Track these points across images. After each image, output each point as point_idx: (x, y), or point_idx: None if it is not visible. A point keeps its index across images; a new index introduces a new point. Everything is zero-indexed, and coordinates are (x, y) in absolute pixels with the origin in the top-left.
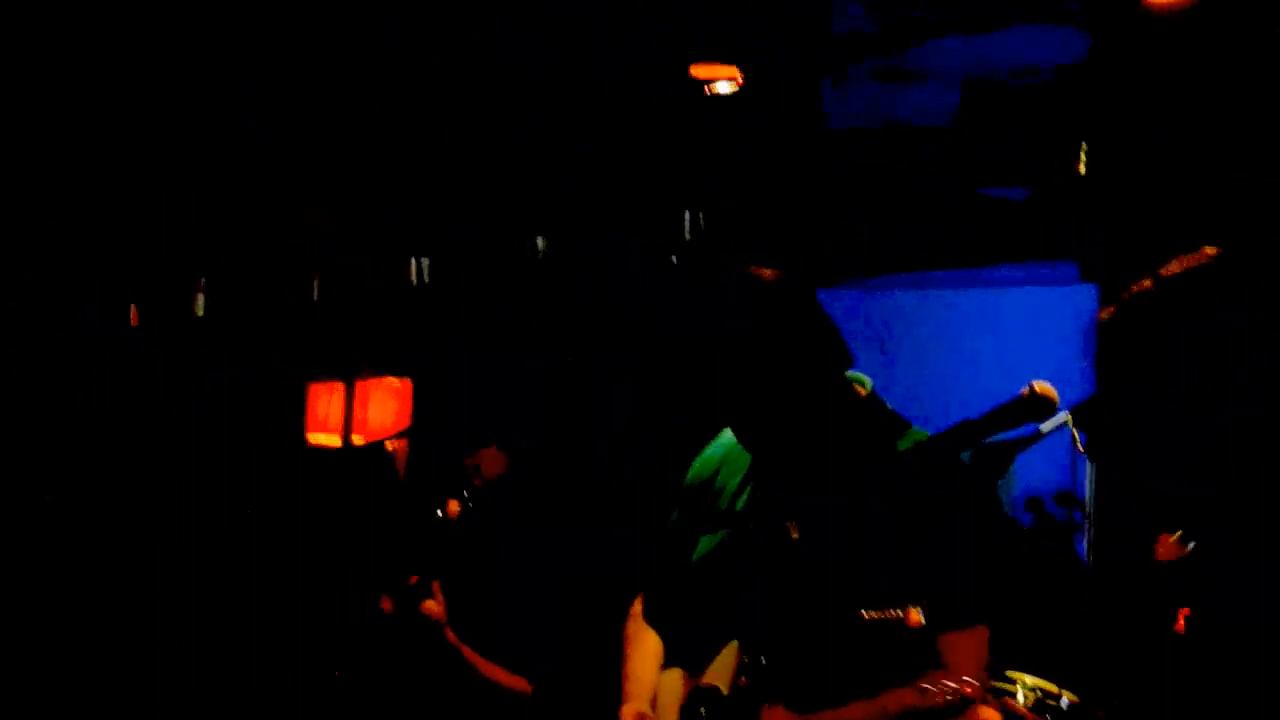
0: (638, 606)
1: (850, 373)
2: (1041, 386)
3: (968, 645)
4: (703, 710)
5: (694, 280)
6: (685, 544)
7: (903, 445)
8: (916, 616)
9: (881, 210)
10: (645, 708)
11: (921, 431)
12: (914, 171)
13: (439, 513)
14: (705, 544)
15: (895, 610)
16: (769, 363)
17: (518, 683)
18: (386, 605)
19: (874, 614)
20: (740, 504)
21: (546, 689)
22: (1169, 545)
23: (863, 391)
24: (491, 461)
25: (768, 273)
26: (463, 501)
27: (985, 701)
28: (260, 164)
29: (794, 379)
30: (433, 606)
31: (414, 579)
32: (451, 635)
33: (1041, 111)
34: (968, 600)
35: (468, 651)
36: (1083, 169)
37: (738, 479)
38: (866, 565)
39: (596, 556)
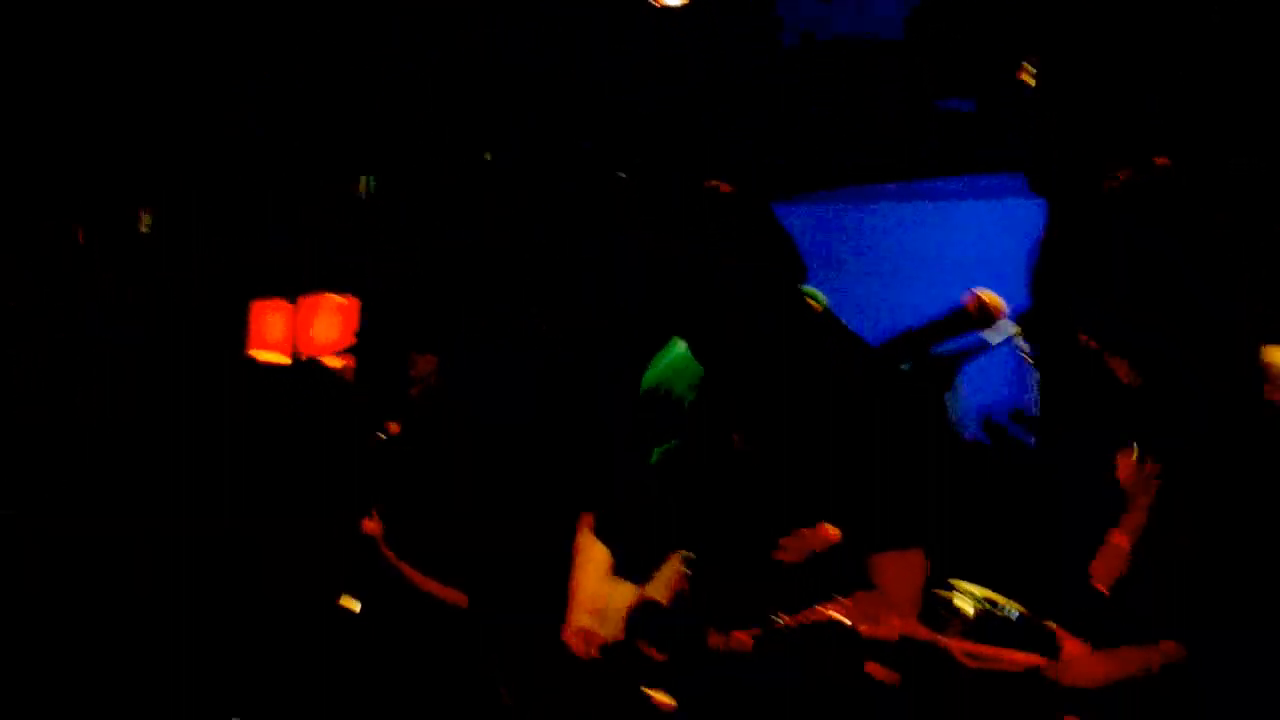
0: (588, 520)
1: (805, 288)
2: (988, 296)
3: (900, 568)
4: (642, 621)
5: (650, 195)
6: (634, 455)
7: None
8: (832, 532)
9: (829, 124)
10: (590, 621)
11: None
12: (862, 84)
13: (380, 434)
14: (655, 455)
15: (811, 528)
16: (725, 275)
17: (458, 597)
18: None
19: (804, 530)
20: (690, 415)
21: (486, 603)
22: (1128, 463)
23: (818, 307)
24: (426, 368)
25: (725, 186)
26: (398, 421)
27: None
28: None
29: (750, 292)
30: (369, 525)
31: (351, 495)
32: (389, 552)
33: (991, 23)
34: (902, 519)
35: (406, 568)
36: (1032, 81)
37: (689, 390)
38: (807, 479)
39: (541, 470)
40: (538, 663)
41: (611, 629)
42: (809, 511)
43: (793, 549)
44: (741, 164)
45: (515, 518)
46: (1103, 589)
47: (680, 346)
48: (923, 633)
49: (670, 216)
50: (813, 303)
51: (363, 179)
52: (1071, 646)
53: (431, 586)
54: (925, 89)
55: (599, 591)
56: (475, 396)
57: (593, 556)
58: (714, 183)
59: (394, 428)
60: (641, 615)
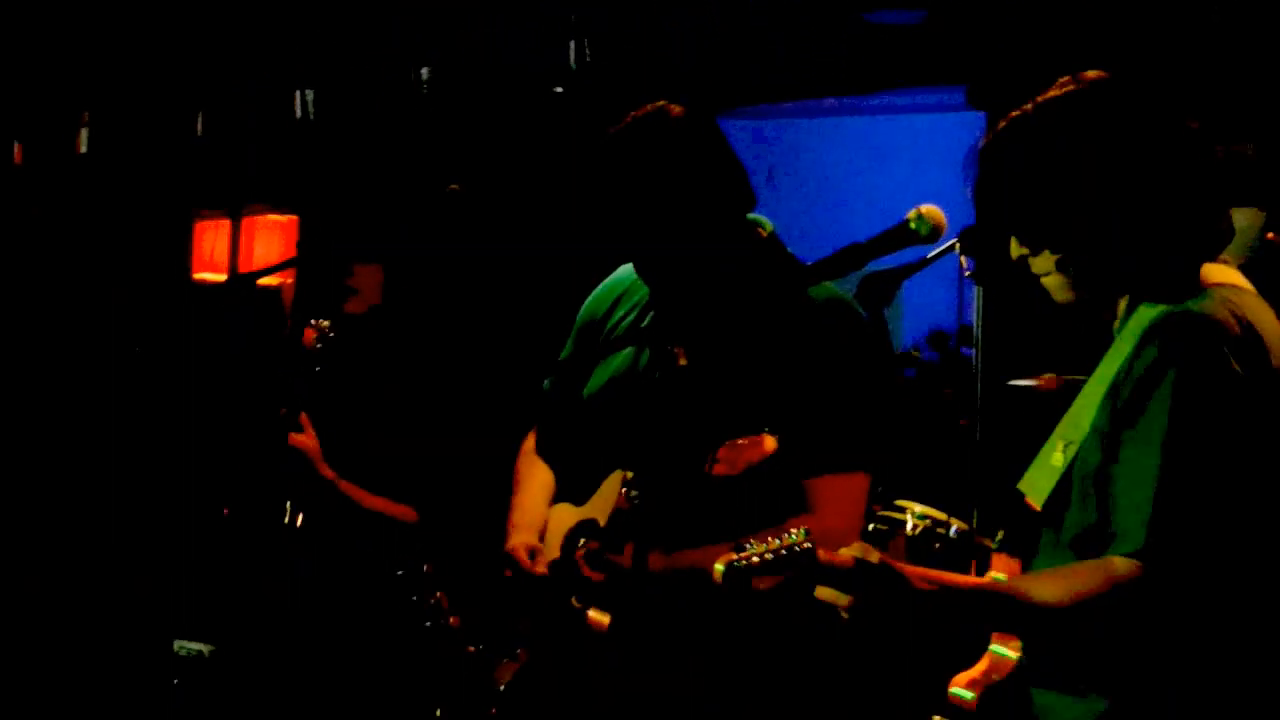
0: (530, 441)
1: (751, 214)
2: (928, 210)
3: (838, 491)
4: (581, 542)
5: (598, 117)
6: (578, 377)
7: (808, 292)
8: (770, 443)
9: (768, 37)
10: (533, 538)
11: (829, 286)
12: None
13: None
14: (598, 376)
15: (749, 438)
16: (676, 198)
17: (404, 512)
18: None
19: (740, 441)
20: (633, 333)
21: (435, 518)
22: (1047, 378)
23: (764, 233)
24: (369, 280)
25: (676, 109)
26: (322, 332)
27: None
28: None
29: (699, 215)
30: (302, 439)
31: (282, 410)
32: (326, 469)
33: None
34: (844, 438)
35: (345, 485)
36: None
37: (634, 312)
38: (748, 397)
39: (483, 390)
40: (482, 582)
41: (552, 549)
42: (749, 428)
43: (728, 461)
44: (680, 78)
45: (458, 434)
46: (1035, 506)
47: (625, 270)
48: (873, 555)
49: (611, 139)
50: (760, 229)
51: (297, 94)
52: (1001, 563)
53: (376, 503)
54: (862, 1)
55: (540, 512)
56: (417, 310)
57: (533, 475)
58: (666, 105)
59: (309, 336)
60: (575, 535)
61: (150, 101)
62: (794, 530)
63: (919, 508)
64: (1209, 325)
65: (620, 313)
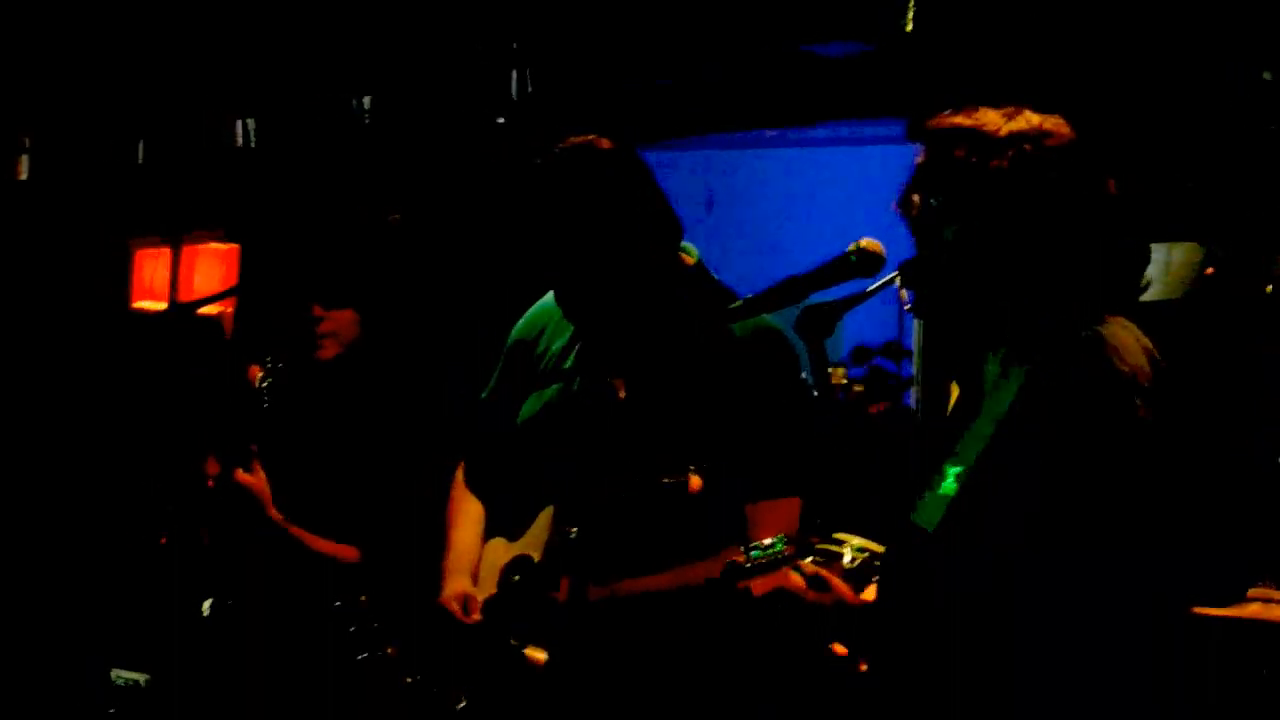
0: (460, 474)
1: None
2: (868, 243)
3: (773, 515)
4: (515, 579)
5: (529, 148)
6: (507, 406)
7: (738, 322)
8: (696, 481)
9: (710, 69)
10: (467, 583)
11: (762, 318)
12: (742, 29)
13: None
14: (531, 404)
15: (677, 475)
16: (601, 229)
17: (348, 553)
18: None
19: (670, 479)
20: (568, 363)
21: (376, 553)
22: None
23: (690, 260)
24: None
25: (604, 141)
26: (269, 369)
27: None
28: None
29: (624, 247)
30: (250, 479)
31: (225, 449)
32: (274, 511)
33: None
34: (776, 469)
35: (293, 529)
36: (910, 25)
37: (564, 339)
38: (687, 429)
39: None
40: (423, 622)
41: (487, 586)
42: (683, 460)
43: (661, 497)
44: (622, 108)
45: (402, 471)
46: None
47: (550, 297)
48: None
49: (540, 171)
50: (686, 257)
51: (239, 123)
52: None
53: (322, 545)
54: (806, 32)
55: (473, 549)
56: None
57: (466, 512)
58: (595, 138)
59: (255, 373)
60: (509, 573)
61: (91, 128)
62: (771, 539)
63: (857, 540)
64: (1123, 347)
65: (550, 339)
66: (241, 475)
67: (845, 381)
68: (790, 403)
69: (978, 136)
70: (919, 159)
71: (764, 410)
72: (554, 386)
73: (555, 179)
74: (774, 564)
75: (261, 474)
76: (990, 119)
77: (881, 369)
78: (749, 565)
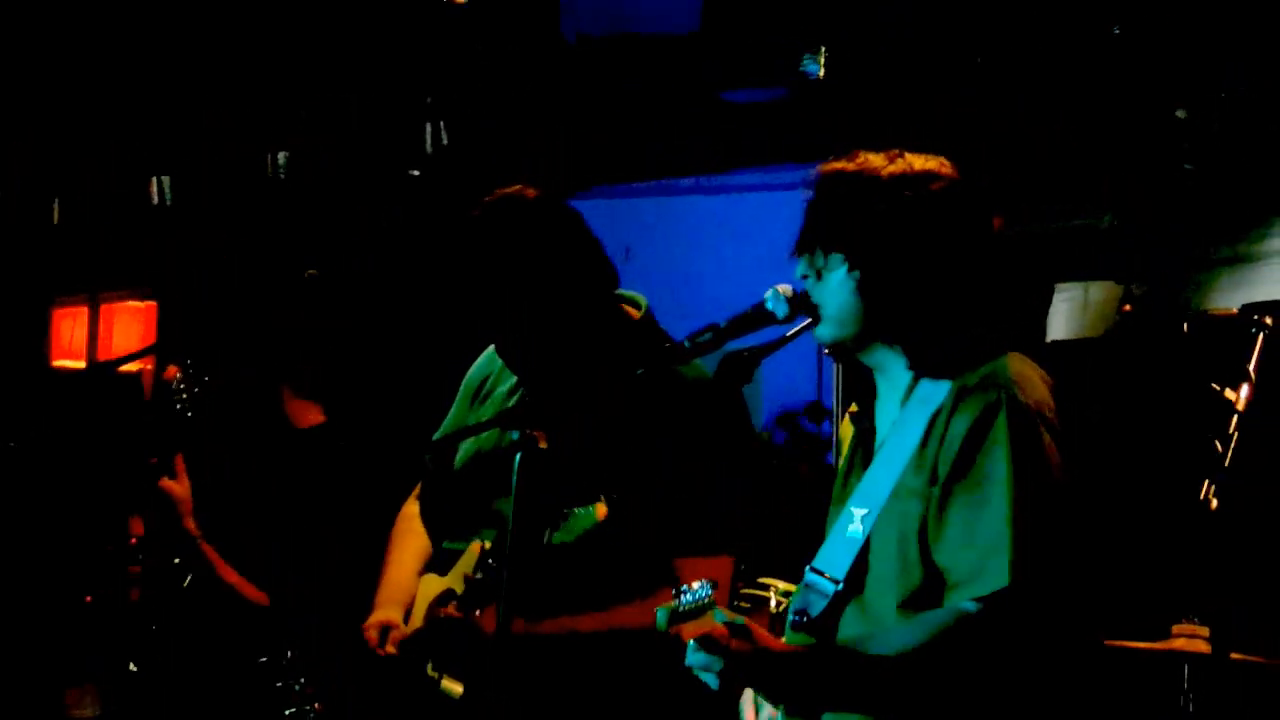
0: (408, 506)
1: (626, 292)
2: (786, 290)
3: (704, 571)
4: (439, 612)
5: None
6: (453, 446)
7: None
8: (602, 510)
9: (624, 118)
10: (393, 614)
11: (698, 366)
12: (655, 78)
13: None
14: (466, 449)
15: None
16: (534, 281)
17: (256, 596)
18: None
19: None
20: (509, 406)
21: (286, 604)
22: None
23: (636, 314)
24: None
25: (531, 192)
26: (185, 369)
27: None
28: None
29: (558, 298)
30: (172, 486)
31: (153, 459)
32: (191, 523)
33: (781, 14)
34: (707, 522)
35: (206, 547)
36: (822, 72)
37: (510, 383)
38: (599, 472)
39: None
40: (340, 656)
41: (416, 622)
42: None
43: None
44: (537, 158)
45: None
46: (833, 580)
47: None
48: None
49: (468, 223)
50: (632, 310)
51: (154, 180)
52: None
53: (230, 575)
54: (720, 80)
55: (408, 583)
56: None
57: (404, 547)
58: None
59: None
60: (436, 605)
61: (5, 188)
62: (699, 583)
63: (782, 585)
64: (1024, 379)
65: (496, 382)
66: (165, 481)
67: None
68: (724, 459)
69: (860, 180)
70: (806, 206)
71: (698, 464)
72: (488, 434)
73: (485, 230)
74: (701, 610)
75: (185, 483)
76: (873, 163)
77: (804, 429)
78: (680, 610)
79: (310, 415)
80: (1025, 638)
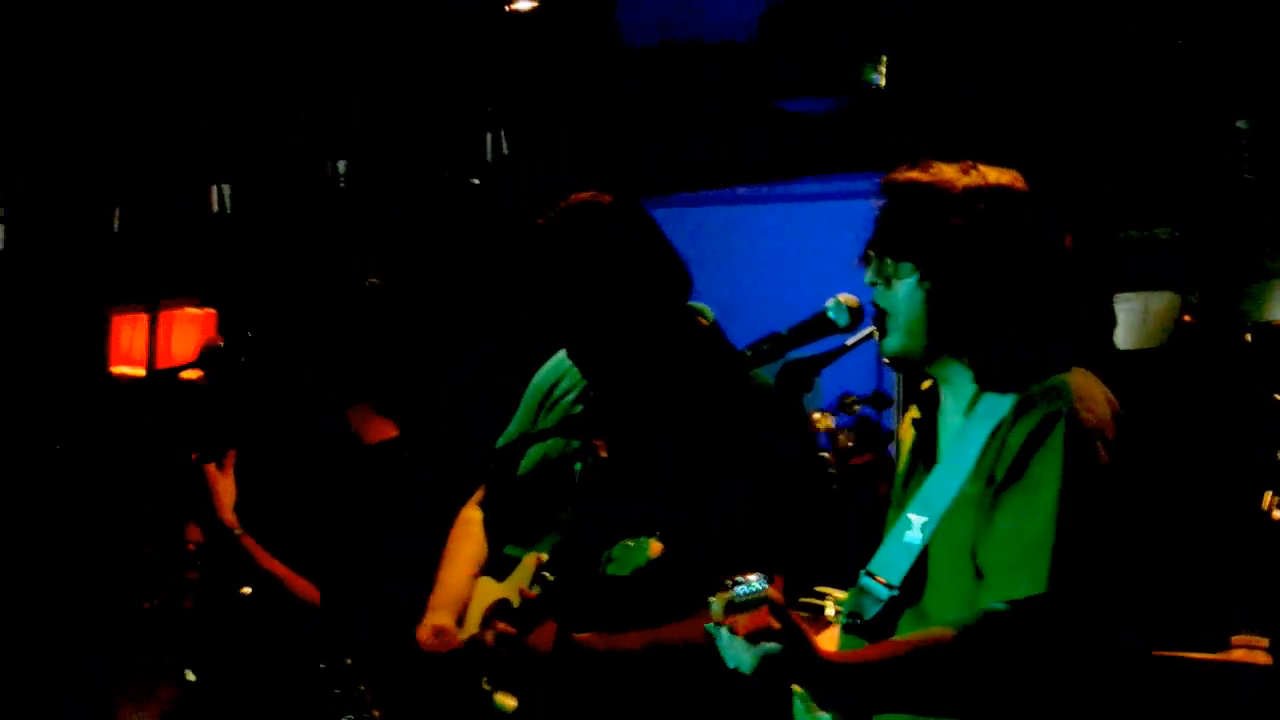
0: (468, 510)
1: (693, 303)
2: (845, 298)
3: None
4: (495, 623)
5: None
6: (517, 452)
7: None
8: (656, 547)
9: (686, 127)
10: (448, 619)
11: (763, 377)
12: (715, 87)
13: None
14: (531, 456)
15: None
16: (610, 286)
17: (302, 586)
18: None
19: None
20: (574, 413)
21: (342, 608)
22: None
23: (705, 322)
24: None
25: (606, 197)
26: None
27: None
28: (57, 88)
29: (634, 304)
30: (216, 476)
31: (193, 455)
32: (229, 515)
33: (841, 23)
34: (758, 543)
35: (246, 539)
36: (882, 81)
37: (576, 390)
38: (659, 492)
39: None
40: (393, 659)
41: (470, 627)
42: (652, 523)
43: (619, 561)
44: (595, 169)
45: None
46: (890, 585)
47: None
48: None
49: (542, 229)
50: (701, 319)
51: (214, 188)
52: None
53: (275, 566)
54: (781, 90)
55: (462, 587)
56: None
57: (461, 552)
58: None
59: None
60: (490, 615)
61: (68, 196)
62: (756, 576)
63: (839, 593)
64: (1088, 397)
65: (564, 389)
66: (211, 469)
67: (832, 428)
68: (783, 477)
69: (934, 192)
70: (878, 214)
71: (754, 482)
72: (553, 440)
73: (564, 232)
74: (757, 603)
75: (230, 477)
76: (947, 174)
77: (868, 419)
78: (737, 601)
79: (383, 430)
80: (1060, 646)
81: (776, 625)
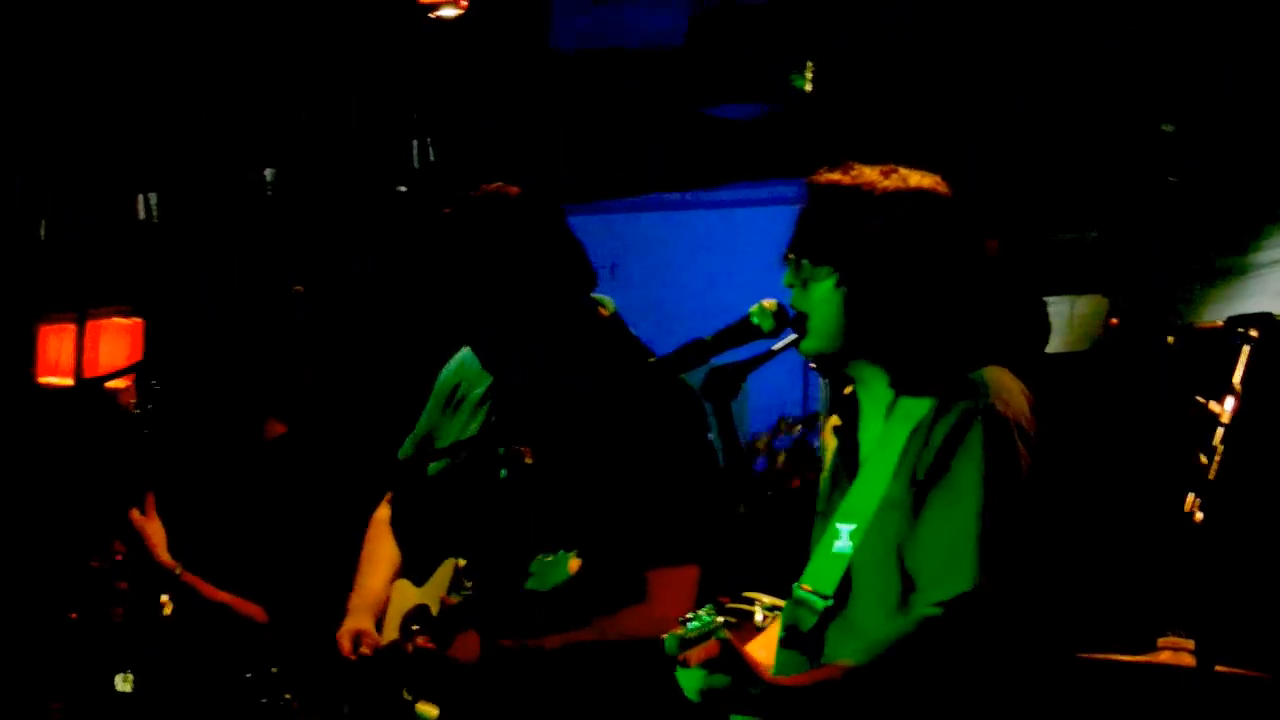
0: (382, 510)
1: (596, 295)
2: (770, 304)
3: (670, 581)
4: (413, 628)
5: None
6: (425, 454)
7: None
8: (575, 563)
9: (611, 133)
10: (367, 622)
11: (684, 381)
12: (643, 93)
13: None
14: (436, 464)
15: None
16: (514, 275)
17: (252, 610)
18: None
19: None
20: (478, 420)
21: (284, 615)
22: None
23: (605, 313)
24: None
25: (513, 190)
26: (145, 387)
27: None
28: None
29: (536, 293)
30: (142, 521)
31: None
32: (165, 555)
33: (768, 30)
34: (674, 534)
35: (187, 575)
36: (809, 87)
37: (482, 388)
38: (584, 499)
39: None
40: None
41: (389, 631)
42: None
43: (538, 577)
44: (523, 174)
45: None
46: (822, 595)
47: (468, 350)
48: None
49: (448, 217)
50: (602, 309)
51: (140, 197)
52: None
53: (220, 596)
54: (709, 96)
55: (379, 590)
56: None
57: (377, 554)
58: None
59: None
60: (408, 621)
61: None
62: (705, 609)
63: (767, 599)
64: (1004, 390)
65: (470, 386)
66: (134, 514)
67: (769, 450)
68: (693, 463)
69: (853, 195)
70: (799, 214)
71: (666, 469)
72: (467, 441)
73: (467, 223)
74: (706, 635)
75: (156, 520)
76: (868, 177)
77: (807, 443)
78: (689, 637)
79: (274, 427)
80: (989, 644)
81: (722, 657)
